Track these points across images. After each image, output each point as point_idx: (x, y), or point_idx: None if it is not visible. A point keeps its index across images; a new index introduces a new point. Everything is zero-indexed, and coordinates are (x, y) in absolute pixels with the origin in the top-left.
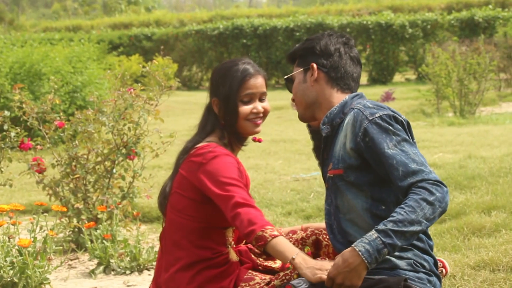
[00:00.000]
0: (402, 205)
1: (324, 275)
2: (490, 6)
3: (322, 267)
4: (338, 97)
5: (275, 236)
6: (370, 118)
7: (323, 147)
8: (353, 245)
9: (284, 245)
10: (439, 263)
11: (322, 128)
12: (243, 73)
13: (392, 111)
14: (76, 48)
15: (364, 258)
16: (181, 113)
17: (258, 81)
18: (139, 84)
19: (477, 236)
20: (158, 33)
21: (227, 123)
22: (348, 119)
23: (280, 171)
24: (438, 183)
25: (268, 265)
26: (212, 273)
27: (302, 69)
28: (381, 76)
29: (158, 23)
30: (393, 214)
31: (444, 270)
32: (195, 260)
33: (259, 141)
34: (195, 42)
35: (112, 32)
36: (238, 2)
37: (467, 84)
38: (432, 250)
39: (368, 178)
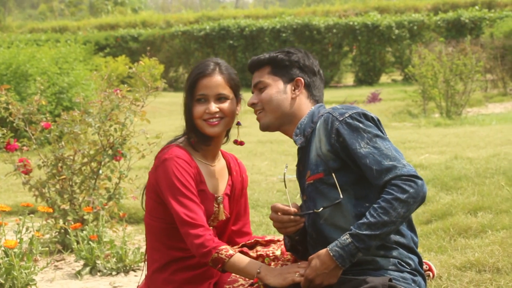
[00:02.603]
0: (375, 206)
1: (296, 277)
2: (477, 7)
3: (290, 270)
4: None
5: (231, 256)
6: (340, 119)
7: (298, 159)
8: (328, 248)
9: (243, 262)
10: (425, 266)
11: (295, 139)
12: (198, 70)
13: (361, 109)
14: (63, 49)
15: (338, 263)
16: (167, 114)
17: (212, 81)
18: (125, 85)
19: (463, 237)
20: (145, 34)
21: (185, 121)
22: (319, 124)
23: (266, 172)
24: (411, 177)
25: None
26: (188, 275)
27: (280, 79)
28: (367, 77)
29: (145, 24)
30: (366, 215)
31: (431, 274)
32: (168, 260)
33: (241, 144)
34: (181, 43)
35: (99, 33)
36: (224, 3)
37: (454, 85)
38: (417, 247)
39: (349, 178)
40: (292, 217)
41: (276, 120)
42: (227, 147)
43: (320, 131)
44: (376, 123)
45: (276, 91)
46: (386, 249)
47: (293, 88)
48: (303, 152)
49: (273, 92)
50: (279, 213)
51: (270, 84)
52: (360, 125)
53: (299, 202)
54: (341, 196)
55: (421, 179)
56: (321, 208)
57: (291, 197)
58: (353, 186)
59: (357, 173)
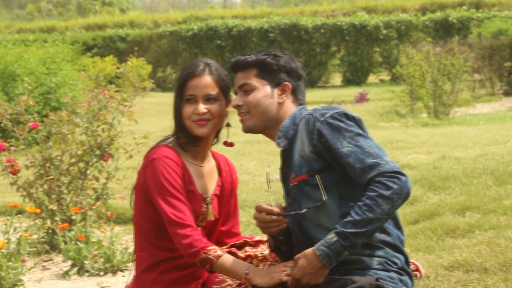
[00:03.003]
0: (359, 203)
1: (283, 277)
2: (464, 7)
3: (276, 270)
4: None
5: (220, 256)
6: (321, 119)
7: (282, 161)
8: (314, 248)
9: (231, 262)
10: (412, 266)
11: (278, 142)
12: (187, 70)
13: (342, 109)
14: (50, 49)
15: (325, 262)
16: (155, 114)
17: (201, 82)
18: (113, 85)
19: (451, 237)
20: (132, 34)
21: (174, 121)
22: (301, 126)
23: (254, 172)
24: (395, 174)
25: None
26: (176, 275)
27: (267, 83)
28: (355, 77)
29: (132, 24)
30: (351, 213)
31: (418, 274)
32: (157, 260)
33: (231, 145)
34: (169, 43)
35: (86, 33)
36: (212, 3)
37: (441, 85)
38: (403, 245)
39: (333, 178)
40: (275, 217)
41: (260, 123)
42: (215, 147)
43: (302, 132)
44: (357, 122)
45: (263, 95)
46: (372, 248)
47: (279, 92)
48: (286, 155)
49: (260, 96)
50: (263, 213)
51: (257, 88)
52: (342, 124)
53: (284, 202)
54: (325, 197)
55: (404, 175)
56: (305, 209)
57: (277, 197)
58: (337, 186)
59: (341, 173)
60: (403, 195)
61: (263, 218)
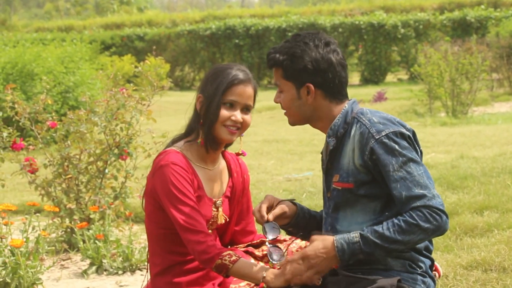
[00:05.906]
0: (395, 221)
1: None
2: (482, 6)
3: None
4: (338, 108)
5: (235, 261)
6: (377, 137)
7: (328, 158)
8: (334, 237)
9: (248, 267)
10: None
11: (328, 141)
12: (234, 77)
13: (398, 122)
14: (68, 48)
15: (338, 255)
16: (173, 113)
17: (246, 90)
18: (131, 84)
19: (469, 236)
20: (150, 33)
21: (205, 123)
22: (354, 132)
23: (272, 171)
24: (438, 211)
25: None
26: (190, 277)
27: (292, 84)
28: (373, 76)
29: (150, 23)
30: (383, 225)
31: (437, 273)
32: (169, 265)
33: (243, 154)
34: (187, 42)
35: (104, 32)
36: (230, 2)
37: (460, 84)
38: (431, 252)
39: (379, 191)
40: (264, 219)
41: (300, 121)
42: (232, 146)
43: (355, 142)
44: (413, 142)
45: (291, 98)
46: (399, 250)
47: (306, 93)
48: (333, 153)
49: (288, 99)
50: (259, 210)
51: (285, 90)
52: (396, 146)
53: (302, 201)
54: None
55: (446, 215)
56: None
57: (295, 196)
58: (381, 198)
59: (384, 188)
60: (437, 233)
61: (256, 216)
